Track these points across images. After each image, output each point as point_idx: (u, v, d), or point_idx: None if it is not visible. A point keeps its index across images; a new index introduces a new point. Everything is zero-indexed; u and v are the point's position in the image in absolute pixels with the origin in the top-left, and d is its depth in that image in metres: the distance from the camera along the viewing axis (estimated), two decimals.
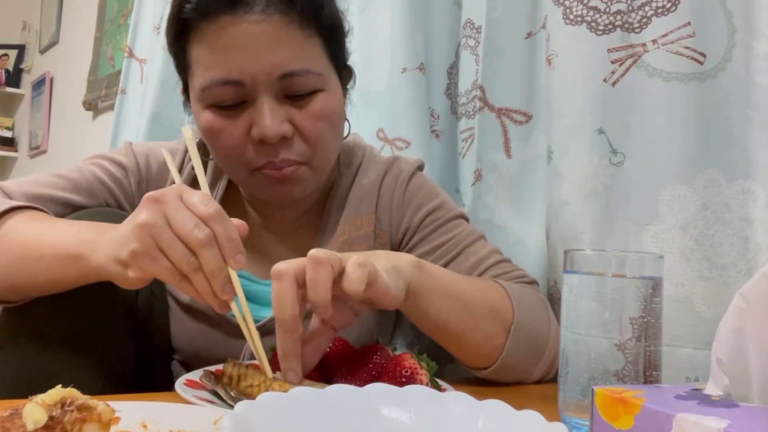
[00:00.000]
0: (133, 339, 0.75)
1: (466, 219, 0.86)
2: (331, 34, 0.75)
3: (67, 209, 0.75)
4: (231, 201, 0.84)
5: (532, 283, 0.81)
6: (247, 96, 0.71)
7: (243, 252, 0.56)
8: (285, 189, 0.74)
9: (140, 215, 0.55)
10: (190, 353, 0.81)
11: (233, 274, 0.56)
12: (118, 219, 0.72)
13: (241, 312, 0.57)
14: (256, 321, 0.78)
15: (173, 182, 0.82)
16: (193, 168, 0.82)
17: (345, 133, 0.82)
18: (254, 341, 0.58)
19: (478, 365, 0.72)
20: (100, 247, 0.58)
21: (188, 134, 0.63)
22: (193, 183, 0.83)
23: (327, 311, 0.55)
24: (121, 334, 0.72)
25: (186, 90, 0.78)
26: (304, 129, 0.72)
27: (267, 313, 0.79)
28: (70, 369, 0.65)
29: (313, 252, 0.55)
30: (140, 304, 0.76)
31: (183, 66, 0.76)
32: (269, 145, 0.71)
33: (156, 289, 0.80)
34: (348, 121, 0.83)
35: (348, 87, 0.83)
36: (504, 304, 0.71)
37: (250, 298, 0.81)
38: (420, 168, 0.89)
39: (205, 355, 0.77)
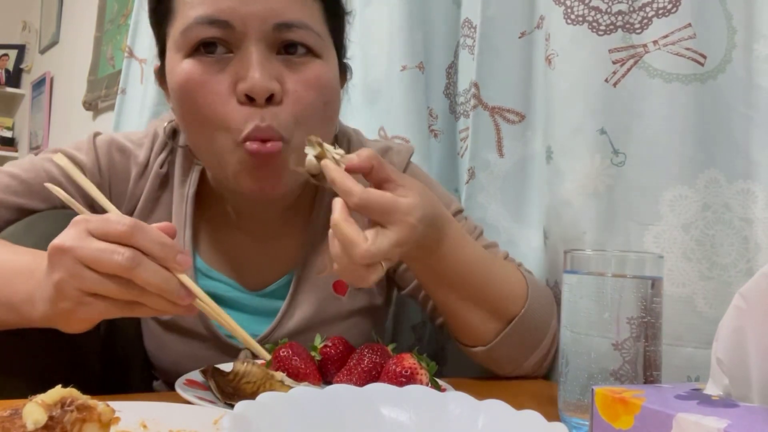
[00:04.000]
0: (98, 345, 0.71)
1: (461, 211, 0.85)
2: (333, 7, 0.71)
3: (20, 215, 0.70)
4: (206, 199, 0.77)
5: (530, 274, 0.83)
6: (234, 45, 0.63)
7: (183, 251, 0.51)
8: (262, 180, 0.65)
9: (53, 274, 0.50)
10: (176, 374, 0.73)
11: (183, 277, 0.52)
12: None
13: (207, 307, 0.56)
14: (252, 336, 0.76)
15: (137, 178, 0.75)
16: (161, 167, 0.76)
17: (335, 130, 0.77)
18: (229, 324, 0.57)
19: (472, 342, 0.72)
20: (37, 302, 0.53)
21: (63, 161, 0.58)
22: (162, 182, 0.77)
23: None
24: (80, 339, 0.65)
25: (162, 54, 0.70)
26: (294, 94, 0.64)
27: (262, 328, 0.76)
28: (24, 372, 0.60)
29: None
30: None
31: (164, 15, 0.68)
32: (255, 107, 0.63)
33: None
34: (339, 121, 0.79)
35: (344, 85, 0.79)
36: (516, 294, 0.71)
37: (242, 310, 0.77)
38: (411, 155, 0.85)
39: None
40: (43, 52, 3.75)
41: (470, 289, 0.68)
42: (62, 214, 0.68)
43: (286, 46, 0.65)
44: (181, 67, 0.64)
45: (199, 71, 0.63)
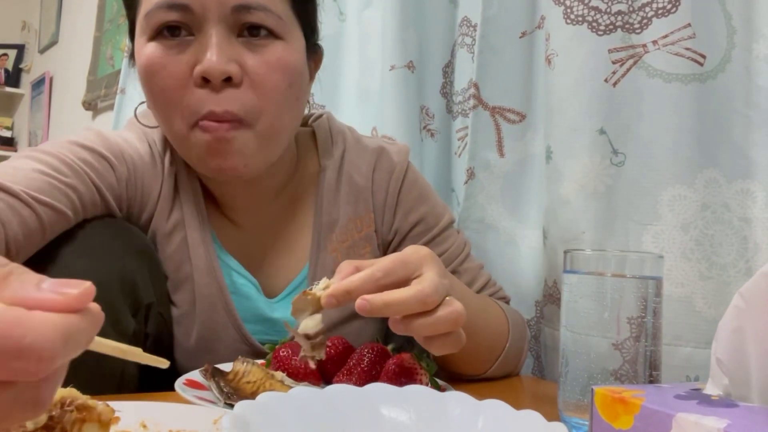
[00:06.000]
0: (138, 369, 0.68)
1: (453, 222, 0.84)
2: None
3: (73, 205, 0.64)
4: (211, 206, 0.77)
5: (509, 301, 0.86)
6: (195, 28, 0.63)
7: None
8: (223, 158, 0.65)
9: None
10: None
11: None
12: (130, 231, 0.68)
13: None
14: (274, 344, 0.74)
15: (155, 177, 0.71)
16: (171, 164, 0.73)
17: (304, 113, 0.75)
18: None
19: (471, 373, 0.75)
20: None
21: None
22: (175, 181, 0.74)
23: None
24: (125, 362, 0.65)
25: (132, 36, 0.70)
26: (255, 77, 0.64)
27: (282, 336, 0.75)
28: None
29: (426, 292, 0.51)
30: (150, 329, 0.70)
31: (132, 3, 0.68)
32: (213, 91, 0.63)
33: (166, 313, 0.73)
34: (309, 102, 0.78)
35: (317, 68, 0.77)
36: (503, 331, 0.75)
37: (263, 321, 0.76)
38: (408, 154, 0.84)
39: None
40: (42, 51, 3.75)
41: (474, 336, 0.69)
42: (112, 225, 0.68)
43: (248, 29, 0.65)
44: (145, 50, 0.65)
45: (160, 54, 0.64)
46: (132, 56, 0.71)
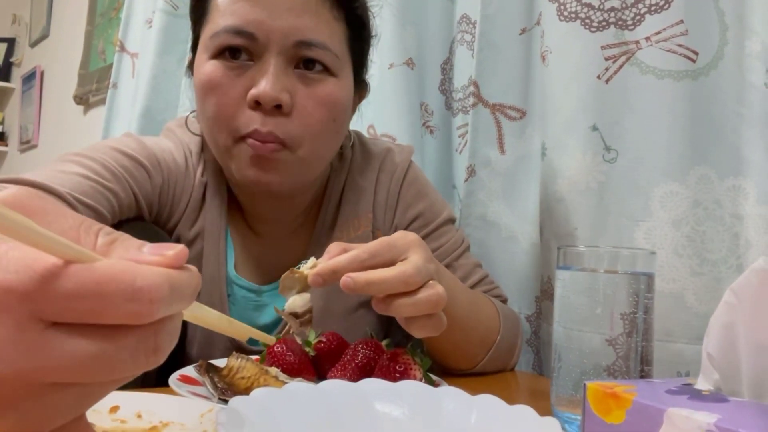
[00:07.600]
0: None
1: (453, 220, 0.85)
2: (358, 29, 0.74)
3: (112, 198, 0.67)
4: (233, 211, 0.80)
5: (506, 301, 0.86)
6: (256, 55, 0.67)
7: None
8: (263, 172, 0.68)
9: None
10: None
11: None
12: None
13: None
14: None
15: (185, 185, 0.75)
16: (202, 175, 0.76)
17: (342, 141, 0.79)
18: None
19: (462, 368, 0.75)
20: None
21: None
22: (204, 192, 0.77)
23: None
24: None
25: (194, 48, 0.74)
26: (303, 110, 0.68)
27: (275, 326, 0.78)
28: None
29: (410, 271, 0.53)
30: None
31: (200, 16, 0.72)
32: (262, 113, 0.66)
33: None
34: (350, 134, 0.82)
35: (361, 101, 0.81)
36: (493, 325, 0.76)
37: (256, 308, 0.78)
38: (411, 154, 0.86)
39: None
40: (33, 45, 3.71)
41: (465, 328, 0.71)
42: (145, 229, 0.70)
43: (304, 62, 0.68)
44: (205, 67, 0.69)
45: (220, 74, 0.67)
46: (190, 66, 0.76)
